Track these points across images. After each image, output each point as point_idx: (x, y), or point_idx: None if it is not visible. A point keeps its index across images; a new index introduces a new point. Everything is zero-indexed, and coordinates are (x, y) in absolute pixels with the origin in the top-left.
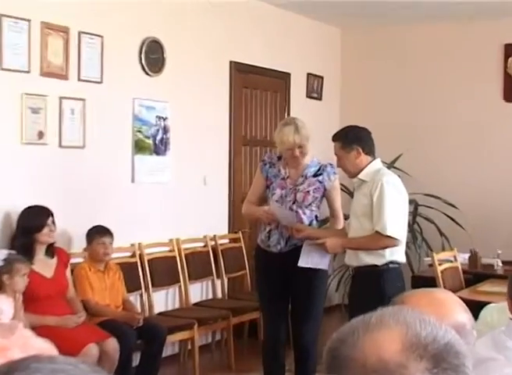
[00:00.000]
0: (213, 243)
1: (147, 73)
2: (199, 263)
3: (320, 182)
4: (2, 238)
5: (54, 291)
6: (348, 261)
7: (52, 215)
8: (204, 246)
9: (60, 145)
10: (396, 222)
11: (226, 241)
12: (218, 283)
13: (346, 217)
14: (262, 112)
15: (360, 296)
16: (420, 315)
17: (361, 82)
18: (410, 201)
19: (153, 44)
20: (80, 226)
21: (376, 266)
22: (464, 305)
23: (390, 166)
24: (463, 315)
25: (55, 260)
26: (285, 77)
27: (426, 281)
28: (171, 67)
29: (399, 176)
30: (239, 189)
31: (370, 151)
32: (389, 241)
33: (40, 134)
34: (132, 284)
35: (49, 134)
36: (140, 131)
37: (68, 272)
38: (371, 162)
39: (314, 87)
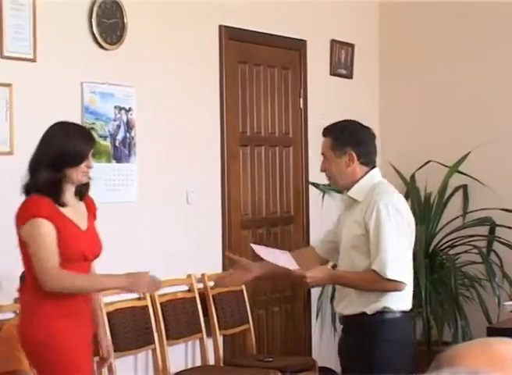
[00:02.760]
0: (201, 286)
1: (101, 46)
2: (181, 315)
3: None
4: None
5: (90, 250)
6: (337, 306)
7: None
8: (189, 291)
9: None
10: (399, 260)
11: None
12: (209, 343)
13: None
14: (267, 98)
15: (347, 357)
16: None
17: (411, 52)
18: (484, 220)
19: (109, 5)
20: (8, 266)
21: (365, 314)
22: None
23: (453, 170)
24: None
25: (83, 207)
26: (299, 47)
27: (509, 336)
28: (134, 36)
29: (465, 185)
30: (236, 208)
31: (368, 160)
32: (391, 285)
33: None
34: None
35: None
36: (92, 129)
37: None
38: (366, 173)
39: (342, 61)
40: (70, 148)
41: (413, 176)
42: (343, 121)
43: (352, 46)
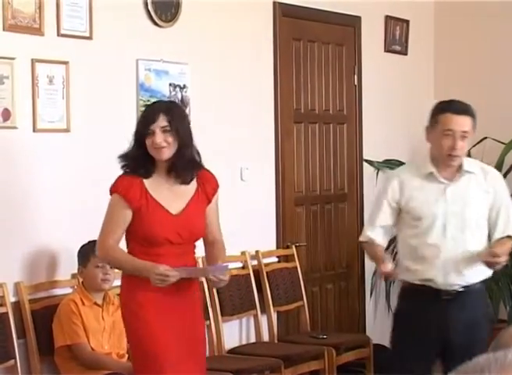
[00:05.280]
0: (255, 263)
1: (156, 23)
2: (235, 292)
3: None
4: None
5: (175, 235)
6: (457, 279)
7: (169, 113)
8: (243, 267)
9: (34, 129)
10: None
11: (274, 259)
12: (263, 320)
13: None
14: (322, 75)
15: (480, 324)
16: None
17: (466, 28)
18: None
19: None
20: (66, 242)
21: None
22: None
23: (510, 147)
24: None
25: (189, 189)
26: (353, 23)
27: None
28: (189, 14)
29: None
30: (290, 185)
31: None
32: None
33: (6, 114)
34: None
35: (19, 114)
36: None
37: (212, 208)
38: None
39: (397, 37)
40: (138, 121)
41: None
42: (460, 101)
43: (407, 22)
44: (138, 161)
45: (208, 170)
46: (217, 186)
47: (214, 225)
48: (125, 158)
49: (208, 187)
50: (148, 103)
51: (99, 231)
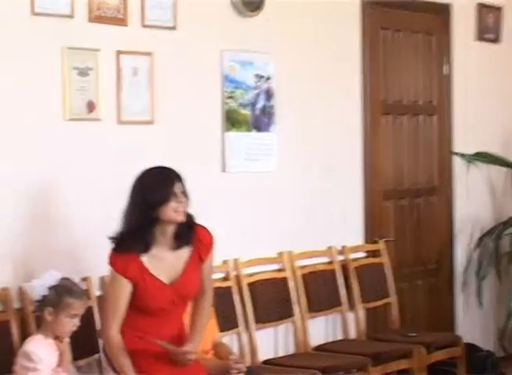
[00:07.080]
0: (342, 258)
1: (241, 13)
2: (322, 288)
3: None
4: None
5: (171, 303)
6: None
7: (180, 179)
8: (329, 263)
9: (119, 121)
10: None
11: (362, 254)
12: (350, 316)
13: None
14: (410, 65)
15: None
16: None
17: None
18: None
19: None
20: None
21: None
22: None
23: None
24: None
25: (186, 250)
26: (443, 11)
27: None
28: (274, 4)
29: None
30: (377, 178)
31: None
32: None
33: (91, 106)
34: (226, 320)
35: (103, 106)
36: (232, 97)
37: (205, 267)
38: None
39: (489, 25)
40: (148, 189)
41: None
42: None
43: (499, 9)
44: (139, 235)
45: (201, 226)
46: (211, 243)
47: (205, 281)
48: (122, 234)
49: (202, 248)
50: (232, 94)
51: (103, 313)
